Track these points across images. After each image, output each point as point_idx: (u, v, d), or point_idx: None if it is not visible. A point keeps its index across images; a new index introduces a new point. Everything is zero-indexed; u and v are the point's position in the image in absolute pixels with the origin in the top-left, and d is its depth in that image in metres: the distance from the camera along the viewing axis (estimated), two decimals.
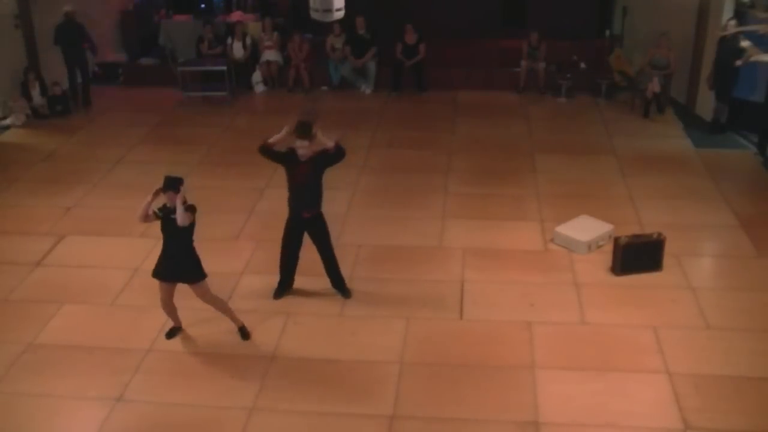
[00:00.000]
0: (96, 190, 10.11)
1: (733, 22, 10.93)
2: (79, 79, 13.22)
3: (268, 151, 7.20)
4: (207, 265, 8.07)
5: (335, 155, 7.20)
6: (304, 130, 7.07)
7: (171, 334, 7.18)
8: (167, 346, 7.03)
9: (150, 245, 8.46)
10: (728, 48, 11.01)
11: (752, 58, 10.61)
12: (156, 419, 6.17)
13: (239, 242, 8.76)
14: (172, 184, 6.55)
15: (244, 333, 7.14)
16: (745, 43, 10.62)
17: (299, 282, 7.86)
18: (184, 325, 7.22)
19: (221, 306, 7.12)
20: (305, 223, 7.44)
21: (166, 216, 6.66)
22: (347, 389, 6.45)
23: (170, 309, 7.05)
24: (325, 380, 6.56)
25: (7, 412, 6.25)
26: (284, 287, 7.74)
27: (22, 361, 6.83)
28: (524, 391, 6.38)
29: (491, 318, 7.35)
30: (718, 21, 11.44)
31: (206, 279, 6.91)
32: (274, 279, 7.84)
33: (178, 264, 6.78)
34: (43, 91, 12.72)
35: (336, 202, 8.39)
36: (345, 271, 7.97)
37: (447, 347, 6.96)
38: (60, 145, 11.70)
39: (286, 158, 7.25)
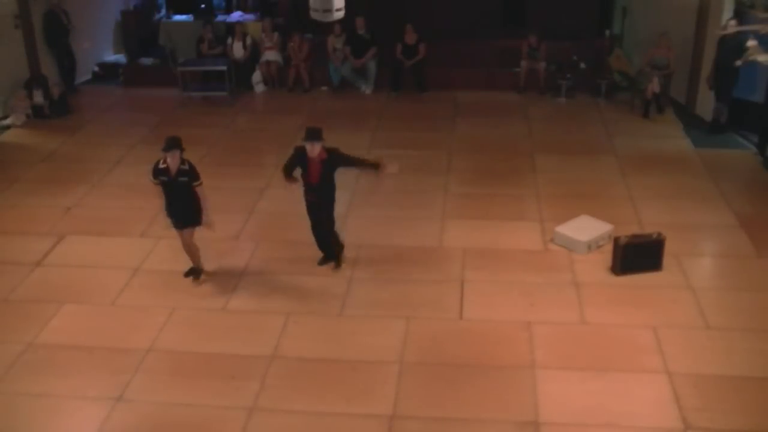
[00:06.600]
0: (96, 190, 10.11)
1: (733, 22, 10.92)
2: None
3: (286, 170, 8.02)
4: (207, 265, 8.13)
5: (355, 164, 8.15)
6: (315, 136, 7.65)
7: (189, 273, 7.91)
8: (167, 346, 7.03)
9: (150, 245, 8.48)
10: (728, 48, 11.00)
11: (751, 57, 10.59)
12: (156, 419, 6.17)
13: (239, 242, 8.76)
14: (176, 144, 7.35)
15: (197, 273, 7.91)
16: (751, 43, 10.57)
17: (299, 282, 7.89)
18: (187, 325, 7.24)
19: (195, 251, 7.87)
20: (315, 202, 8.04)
21: (171, 181, 7.43)
22: (347, 389, 6.44)
23: (192, 251, 7.85)
24: (325, 380, 6.56)
25: (7, 412, 6.25)
26: (325, 258, 8.24)
27: (22, 361, 6.83)
28: (524, 391, 6.38)
29: (491, 318, 7.35)
30: (718, 21, 11.43)
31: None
32: (275, 279, 7.93)
33: (187, 212, 7.65)
34: (44, 91, 12.71)
35: (336, 202, 8.38)
36: (345, 271, 8.02)
37: (447, 347, 6.95)
38: (60, 145, 11.70)
39: (299, 160, 7.85)
